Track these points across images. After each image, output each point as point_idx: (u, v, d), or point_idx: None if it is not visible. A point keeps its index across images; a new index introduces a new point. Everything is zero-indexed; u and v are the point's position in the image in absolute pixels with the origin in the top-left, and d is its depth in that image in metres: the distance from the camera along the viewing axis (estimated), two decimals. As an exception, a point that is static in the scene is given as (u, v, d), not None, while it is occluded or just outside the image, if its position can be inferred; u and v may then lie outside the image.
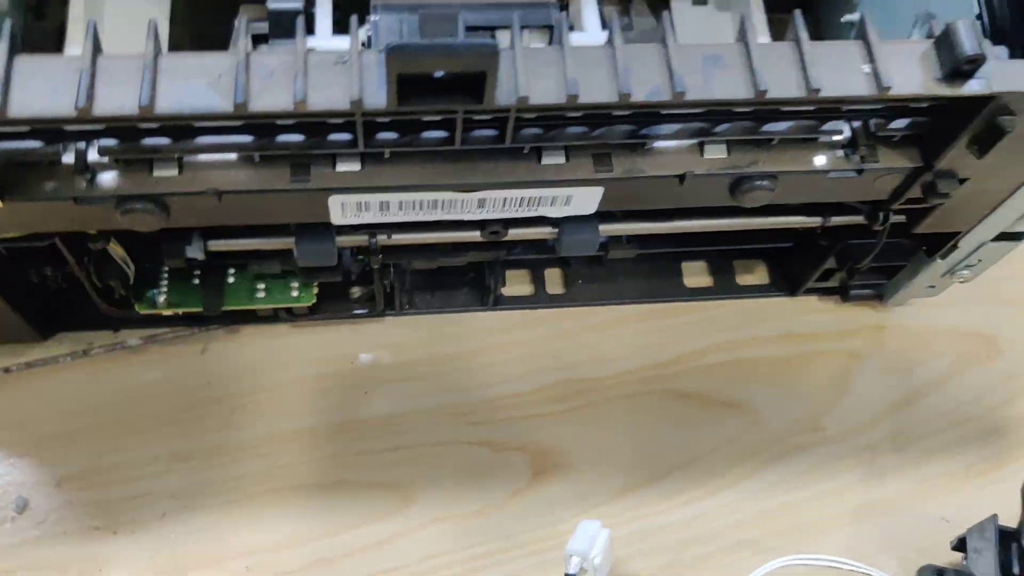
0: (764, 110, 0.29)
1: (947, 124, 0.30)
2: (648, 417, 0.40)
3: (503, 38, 0.28)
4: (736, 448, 0.40)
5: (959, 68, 0.27)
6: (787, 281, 0.43)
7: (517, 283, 0.42)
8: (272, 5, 0.31)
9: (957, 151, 0.30)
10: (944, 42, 0.27)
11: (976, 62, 0.26)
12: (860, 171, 0.31)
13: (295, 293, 0.36)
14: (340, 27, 0.32)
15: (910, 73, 0.27)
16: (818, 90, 0.26)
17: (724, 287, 0.43)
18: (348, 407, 0.39)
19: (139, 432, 0.38)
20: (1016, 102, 0.28)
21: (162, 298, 0.35)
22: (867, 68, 0.27)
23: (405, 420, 0.39)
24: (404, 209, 0.30)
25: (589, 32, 0.33)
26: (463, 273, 0.41)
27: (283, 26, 0.31)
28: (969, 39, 0.26)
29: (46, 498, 0.36)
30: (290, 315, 0.38)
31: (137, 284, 0.35)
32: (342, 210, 0.30)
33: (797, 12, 0.28)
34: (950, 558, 0.38)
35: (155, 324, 0.39)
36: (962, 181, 0.32)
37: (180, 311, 0.36)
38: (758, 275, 0.44)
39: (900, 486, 0.40)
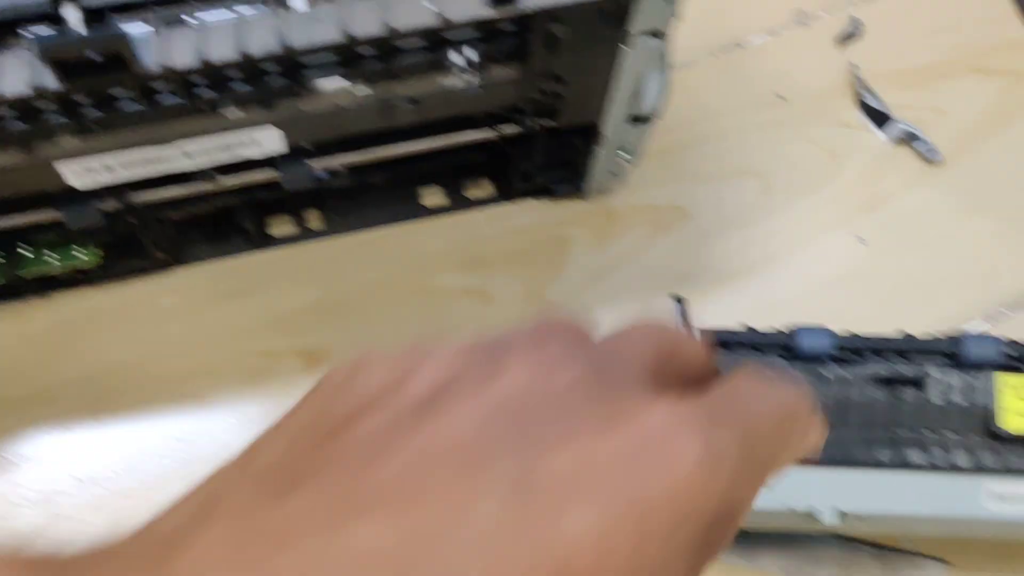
0: (388, 47, 0.38)
1: (527, 38, 0.39)
2: (398, 312, 0.49)
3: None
4: (475, 324, 0.49)
5: (496, -6, 0.36)
6: (507, 191, 0.52)
7: (283, 226, 0.51)
8: None
9: (541, 56, 0.39)
10: (485, -23, 0.36)
11: (506, -12, 0.36)
12: (482, 85, 0.40)
13: (80, 255, 0.45)
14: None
15: (465, 4, 0.36)
16: (393, 26, 0.35)
17: (457, 203, 0.52)
18: (151, 342, 0.48)
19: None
20: (557, 13, 0.37)
21: (-36, 275, 0.44)
22: (429, 4, 0.36)
23: (199, 346, 0.48)
24: (126, 168, 0.39)
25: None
26: (237, 224, 0.50)
27: None
28: (494, -27, 0.36)
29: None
30: (85, 275, 0.47)
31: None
32: (75, 175, 0.38)
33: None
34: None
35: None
36: (560, 80, 0.41)
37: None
38: (484, 189, 0.53)
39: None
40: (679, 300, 0.38)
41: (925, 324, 0.50)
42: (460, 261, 0.51)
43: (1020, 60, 0.58)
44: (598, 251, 0.52)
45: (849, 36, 0.58)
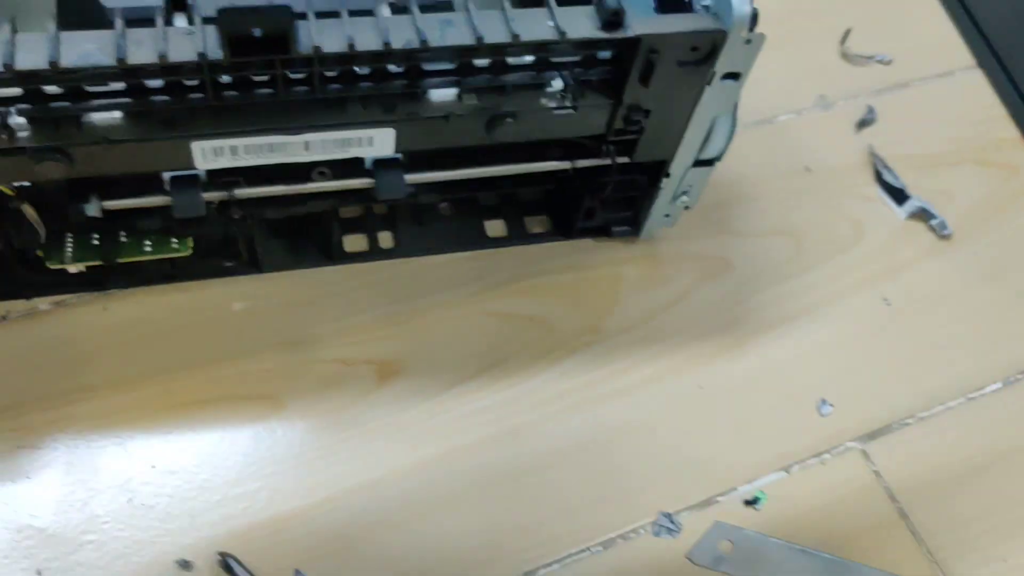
0: (499, 64, 0.42)
1: (623, 67, 0.43)
2: (465, 332, 0.52)
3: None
4: (537, 348, 0.52)
5: (609, 19, 0.40)
6: (565, 227, 0.56)
7: (357, 244, 0.54)
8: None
9: (632, 86, 0.44)
10: (600, 3, 0.41)
11: (619, 14, 0.40)
12: (575, 108, 0.45)
13: (175, 245, 0.47)
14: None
15: (580, 25, 0.41)
16: (519, 35, 0.40)
17: (518, 236, 0.55)
18: (226, 343, 0.49)
19: (55, 372, 0.47)
20: (656, 42, 0.42)
21: (68, 254, 0.45)
22: (551, 23, 0.40)
23: (273, 349, 0.49)
24: (249, 152, 0.42)
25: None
26: (314, 237, 0.52)
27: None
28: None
29: (-25, 431, 0.45)
30: (173, 268, 0.48)
31: (47, 246, 0.45)
32: (203, 155, 0.41)
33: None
34: (704, 414, 0.51)
35: (62, 289, 0.48)
36: (647, 113, 0.45)
37: (84, 266, 0.46)
38: (543, 225, 0.56)
39: (666, 364, 0.52)
40: (224, 556, 0.43)
41: (945, 383, 0.54)
42: (521, 289, 0.54)
43: (1014, 155, 0.65)
44: (649, 291, 0.55)
45: (866, 122, 0.65)
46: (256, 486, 0.45)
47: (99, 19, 0.43)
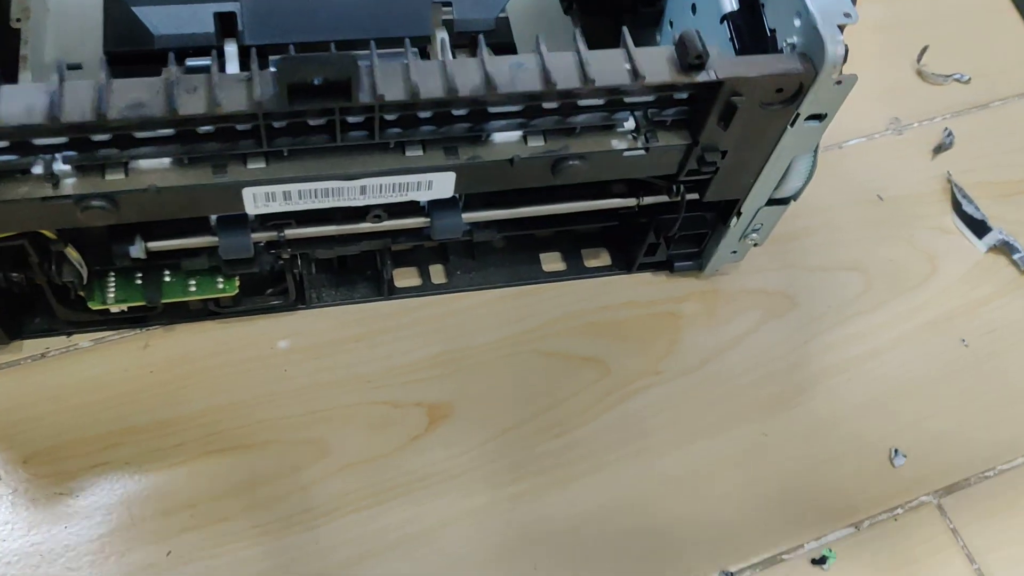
0: (568, 105, 0.39)
1: (701, 108, 0.40)
2: (519, 373, 0.49)
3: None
4: (593, 392, 0.49)
5: (691, 62, 0.37)
6: (625, 261, 0.53)
7: (407, 278, 0.51)
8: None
9: (711, 128, 0.41)
10: (681, 45, 0.38)
11: (701, 57, 0.37)
12: (647, 149, 0.42)
13: (220, 285, 0.45)
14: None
15: (659, 68, 0.38)
16: (593, 80, 0.37)
17: (575, 270, 0.53)
18: (271, 383, 0.47)
19: (94, 413, 0.45)
20: (740, 85, 0.39)
21: (111, 295, 0.43)
22: (627, 66, 0.37)
23: (319, 390, 0.47)
24: (303, 197, 0.39)
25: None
26: (362, 271, 0.50)
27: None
28: (695, 41, 0.37)
29: (14, 474, 0.43)
30: (218, 306, 0.46)
31: (89, 286, 0.43)
32: (254, 200, 0.39)
33: (577, 31, 0.39)
34: (768, 464, 0.48)
35: (103, 326, 0.47)
36: (723, 154, 0.43)
37: (126, 306, 0.44)
38: (601, 259, 0.54)
39: (727, 409, 0.50)
40: None
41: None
42: (578, 328, 0.51)
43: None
44: (710, 330, 0.52)
45: (942, 147, 0.61)
46: (302, 539, 0.43)
47: (146, 42, 0.41)
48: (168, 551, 0.42)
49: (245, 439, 0.45)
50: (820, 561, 0.46)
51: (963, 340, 0.54)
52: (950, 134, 0.61)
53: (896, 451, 0.49)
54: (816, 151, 0.44)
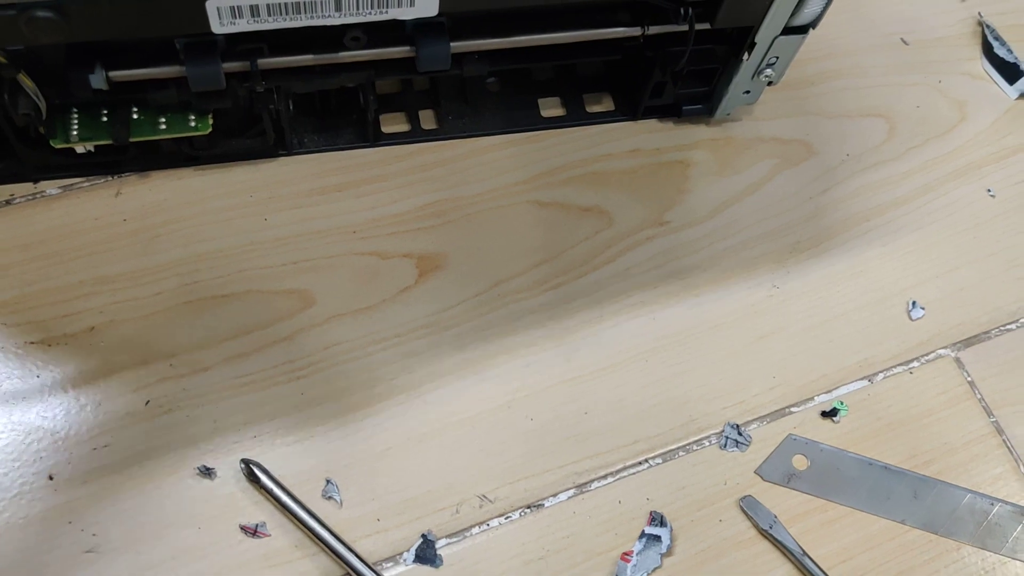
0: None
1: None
2: (515, 224, 0.46)
3: None
4: (594, 243, 0.46)
5: None
6: (629, 107, 0.50)
7: (395, 123, 0.48)
8: None
9: (722, -66, 0.37)
10: None
11: None
12: (651, -38, 0.38)
13: (193, 123, 0.41)
14: None
15: None
16: None
17: (576, 116, 0.49)
18: (251, 232, 0.44)
19: (65, 263, 0.42)
20: None
21: (74, 132, 0.40)
22: None
23: (302, 240, 0.45)
24: (272, 14, 0.36)
25: None
26: (347, 115, 0.47)
27: None
28: None
29: (-16, 324, 0.41)
30: (192, 148, 0.43)
31: (50, 122, 0.40)
32: (219, 16, 0.35)
33: None
34: (778, 317, 0.45)
35: (71, 172, 0.44)
36: (736, -33, 0.39)
37: (92, 145, 0.41)
38: (605, 104, 0.50)
39: (736, 261, 0.47)
40: (247, 463, 0.38)
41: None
42: (578, 177, 0.48)
43: None
44: (721, 179, 0.49)
45: (975, -12, 0.56)
46: (285, 389, 0.41)
47: None
48: (147, 400, 0.40)
49: (225, 288, 0.43)
50: (831, 413, 0.44)
51: (989, 190, 0.51)
52: (984, -28, 0.57)
53: (914, 303, 0.47)
54: (839, -33, 0.40)
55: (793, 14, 0.42)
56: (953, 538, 0.41)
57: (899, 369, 0.45)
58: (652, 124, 0.50)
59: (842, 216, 0.49)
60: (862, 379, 0.45)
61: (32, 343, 0.41)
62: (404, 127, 0.48)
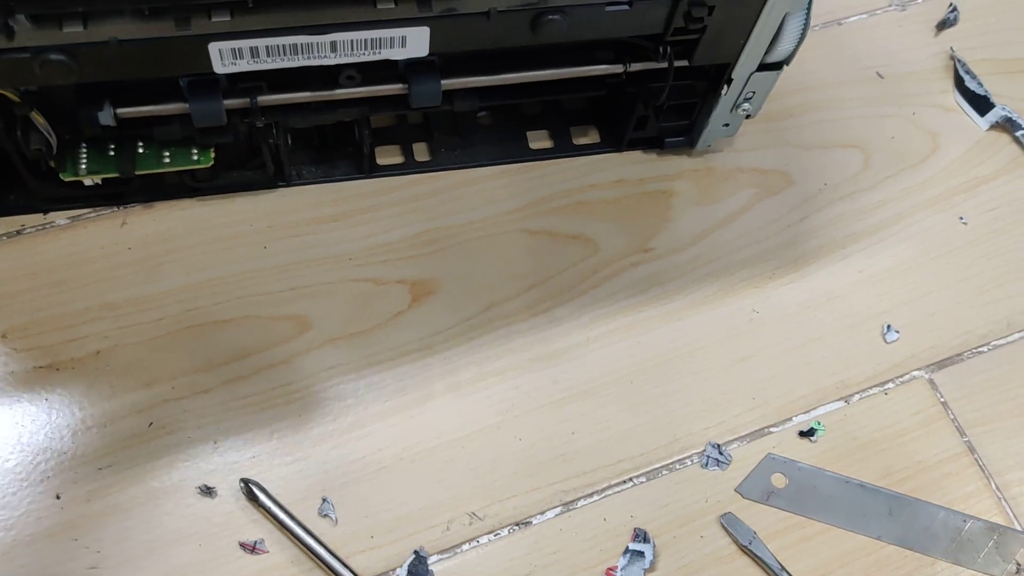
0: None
1: (686, -42, 0.39)
2: (504, 251, 0.48)
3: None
4: (581, 269, 0.48)
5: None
6: (614, 139, 0.52)
7: (390, 156, 0.50)
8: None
9: (697, -21, 0.39)
10: None
11: None
12: (630, 3, 0.40)
13: (195, 156, 0.43)
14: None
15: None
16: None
17: (563, 147, 0.51)
18: (251, 260, 0.46)
19: (72, 290, 0.44)
20: (725, -72, 0.37)
21: (83, 166, 0.42)
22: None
23: (299, 267, 0.46)
24: (271, 55, 0.38)
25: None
26: (343, 148, 0.49)
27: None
28: None
29: (-6, 349, 0.43)
30: (195, 180, 0.45)
31: (60, 157, 0.42)
32: (220, 57, 0.37)
33: None
34: (758, 340, 0.47)
35: (79, 203, 0.46)
36: (710, 10, 0.41)
37: (100, 178, 0.43)
38: (590, 137, 0.52)
39: (718, 287, 0.49)
40: (247, 483, 0.40)
41: (1024, 309, 0.50)
42: (565, 206, 0.50)
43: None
44: (702, 208, 0.51)
45: (946, 22, 0.59)
46: (283, 411, 0.43)
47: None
48: (150, 422, 0.42)
49: (225, 314, 0.45)
50: (809, 433, 0.45)
51: (962, 218, 0.53)
52: (954, 9, 0.59)
53: (889, 327, 0.49)
54: (808, 9, 0.42)
55: (767, 52, 0.44)
56: (927, 554, 0.43)
57: (875, 390, 0.47)
58: (636, 155, 0.52)
59: (819, 243, 0.51)
60: (839, 400, 0.46)
61: (40, 367, 0.42)
62: (398, 159, 0.50)
